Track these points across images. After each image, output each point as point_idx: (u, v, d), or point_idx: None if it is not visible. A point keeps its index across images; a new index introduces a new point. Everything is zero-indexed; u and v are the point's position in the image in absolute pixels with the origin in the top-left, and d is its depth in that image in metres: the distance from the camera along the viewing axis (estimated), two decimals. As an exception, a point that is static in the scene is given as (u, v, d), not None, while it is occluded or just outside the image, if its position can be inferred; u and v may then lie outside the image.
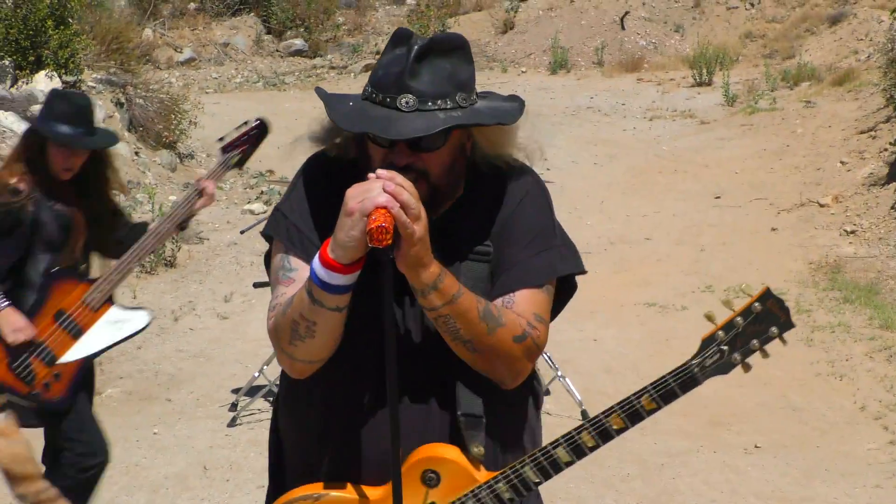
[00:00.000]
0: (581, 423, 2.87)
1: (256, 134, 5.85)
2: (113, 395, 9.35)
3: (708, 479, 7.53)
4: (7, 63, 17.09)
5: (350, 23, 30.02)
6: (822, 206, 14.83)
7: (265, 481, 7.59)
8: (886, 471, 7.72)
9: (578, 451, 2.86)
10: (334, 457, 2.94)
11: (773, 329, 2.89)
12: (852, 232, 13.71)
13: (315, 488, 2.93)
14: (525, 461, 2.86)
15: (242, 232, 9.71)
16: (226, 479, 7.66)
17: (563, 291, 3.06)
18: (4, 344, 5.37)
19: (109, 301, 5.50)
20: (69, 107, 5.44)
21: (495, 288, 2.92)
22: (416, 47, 2.79)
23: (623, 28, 28.06)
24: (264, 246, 11.30)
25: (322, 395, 2.93)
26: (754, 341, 2.89)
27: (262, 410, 8.82)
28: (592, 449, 2.86)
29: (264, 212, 16.02)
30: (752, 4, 27.97)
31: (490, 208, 2.98)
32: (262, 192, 17.08)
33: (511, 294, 2.90)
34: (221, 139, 5.81)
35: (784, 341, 2.91)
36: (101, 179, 5.69)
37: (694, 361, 2.89)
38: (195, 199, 5.56)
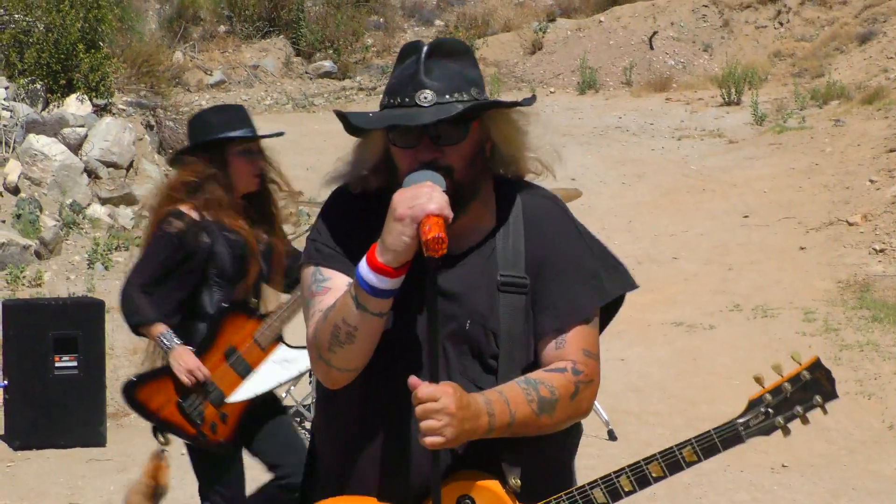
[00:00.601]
0: (621, 468, 2.91)
1: None
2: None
3: (734, 499, 7.52)
4: (38, 86, 17.27)
5: (379, 44, 30.09)
6: (850, 224, 14.77)
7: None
8: (914, 490, 7.71)
9: (615, 495, 2.91)
10: (367, 468, 2.95)
11: (818, 398, 2.98)
12: (881, 251, 13.66)
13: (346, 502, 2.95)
14: (562, 498, 2.92)
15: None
16: (252, 499, 7.68)
17: (611, 306, 3.10)
18: (175, 383, 5.30)
19: (279, 339, 5.39)
20: (232, 112, 5.43)
21: (544, 326, 2.95)
22: (425, 48, 2.89)
23: (651, 48, 28.03)
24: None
25: (360, 403, 2.95)
26: (798, 408, 2.99)
27: (288, 430, 8.84)
28: (629, 493, 2.92)
29: (293, 233, 16.06)
30: (781, 23, 27.89)
31: (520, 239, 3.00)
32: (290, 214, 17.14)
33: (563, 336, 2.94)
34: None
35: (826, 411, 3.00)
36: (270, 205, 5.64)
37: (740, 420, 2.98)
38: None
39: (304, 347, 5.31)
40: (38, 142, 15.65)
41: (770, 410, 2.98)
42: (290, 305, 5.30)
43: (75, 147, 16.35)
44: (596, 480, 2.92)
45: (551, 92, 27.14)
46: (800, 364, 3.02)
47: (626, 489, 2.91)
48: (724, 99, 24.31)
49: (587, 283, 3.00)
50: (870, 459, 8.23)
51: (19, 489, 7.82)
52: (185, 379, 5.23)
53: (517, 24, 30.63)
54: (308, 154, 19.95)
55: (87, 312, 8.88)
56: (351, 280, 2.84)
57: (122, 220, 15.86)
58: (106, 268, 14.05)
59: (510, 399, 2.82)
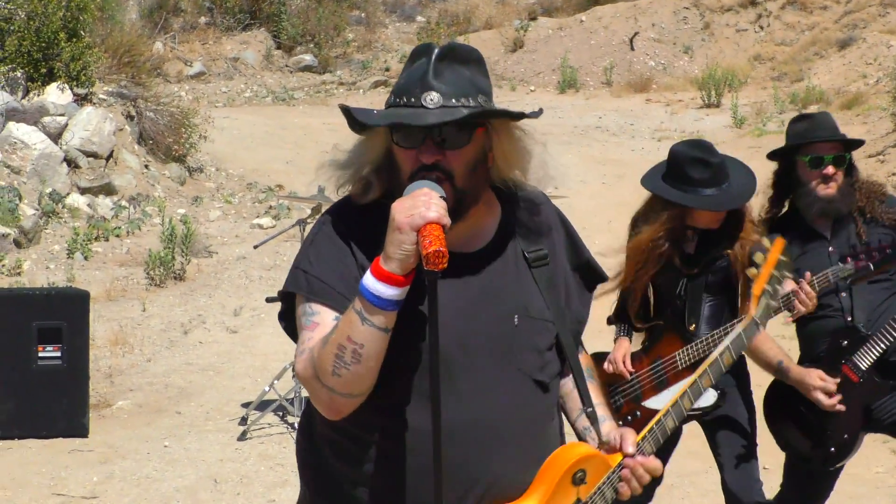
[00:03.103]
0: (681, 392, 3.22)
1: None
2: (123, 408, 9.37)
3: (717, 501, 7.51)
4: (19, 75, 17.19)
5: (360, 39, 30.08)
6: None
7: (276, 496, 7.66)
8: (894, 494, 7.73)
9: (680, 416, 3.22)
10: (377, 488, 2.95)
11: (787, 273, 3.47)
12: (860, 255, 13.71)
13: None
14: (645, 436, 3.10)
15: (256, 247, 9.75)
16: (236, 492, 7.67)
17: None
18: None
19: (694, 367, 5.15)
20: (708, 171, 5.19)
21: (580, 293, 3.20)
22: (436, 50, 2.88)
23: (632, 48, 28.12)
24: (273, 260, 11.28)
25: (385, 425, 2.92)
26: (779, 287, 3.45)
27: (272, 425, 8.84)
28: (689, 410, 3.25)
29: (273, 226, 16.07)
30: (762, 27, 28.01)
31: (531, 224, 3.09)
32: (270, 207, 17.12)
33: None
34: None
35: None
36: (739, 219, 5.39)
37: (756, 315, 3.36)
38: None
39: (715, 386, 5.17)
40: (18, 130, 15.60)
41: (768, 298, 3.40)
42: (714, 337, 5.24)
43: (55, 136, 16.30)
44: (666, 409, 3.19)
45: (532, 90, 27.19)
46: (769, 249, 3.49)
47: (688, 407, 3.23)
48: (703, 101, 24.41)
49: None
50: (850, 463, 8.20)
51: (1, 479, 7.78)
52: (607, 366, 5.47)
53: (499, 22, 30.69)
54: (288, 148, 19.95)
55: (72, 303, 8.82)
56: (338, 315, 2.82)
57: (101, 210, 15.83)
58: (85, 258, 14.01)
59: (604, 402, 3.21)
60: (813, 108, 21.92)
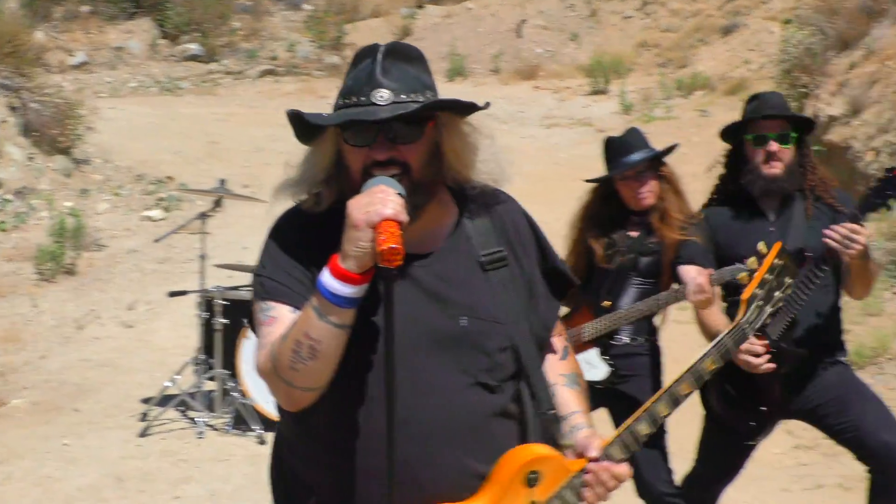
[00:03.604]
0: (657, 396, 3.13)
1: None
2: (19, 407, 9.20)
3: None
4: None
5: (246, 28, 29.73)
6: (719, 213, 15.04)
7: (180, 492, 7.57)
8: (793, 474, 7.89)
9: (655, 422, 3.11)
10: (340, 482, 2.94)
11: (788, 279, 3.33)
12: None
13: None
14: (612, 441, 3.03)
15: (157, 241, 9.64)
16: (140, 490, 7.58)
17: None
18: None
19: (595, 342, 5.51)
20: (629, 139, 5.57)
21: (551, 312, 3.19)
22: (382, 49, 2.91)
23: (520, 36, 28.24)
24: (166, 253, 11.11)
25: (329, 417, 2.93)
26: (777, 293, 3.32)
27: (173, 420, 8.75)
28: (666, 417, 3.15)
29: (163, 218, 15.85)
30: (647, 14, 28.32)
31: (491, 226, 3.09)
32: (160, 199, 16.87)
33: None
34: None
35: (790, 291, 3.35)
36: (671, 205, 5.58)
37: (743, 319, 3.28)
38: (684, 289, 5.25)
39: (607, 362, 5.44)
40: None
41: (761, 303, 3.28)
42: (615, 317, 5.44)
43: (-64, 129, 15.91)
44: (638, 414, 3.09)
45: (420, 78, 27.16)
46: (766, 254, 3.37)
47: (664, 413, 3.13)
48: (591, 88, 24.62)
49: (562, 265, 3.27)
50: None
51: None
52: None
53: (386, 10, 30.60)
54: (176, 138, 19.68)
55: (-36, 300, 8.65)
56: (294, 308, 2.85)
57: (-16, 204, 15.47)
58: (-27, 252, 13.70)
59: (585, 410, 3.15)
60: (699, 95, 22.25)
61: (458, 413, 2.91)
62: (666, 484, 5.40)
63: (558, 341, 3.25)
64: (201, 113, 21.79)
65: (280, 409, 3.06)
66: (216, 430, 8.56)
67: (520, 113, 22.99)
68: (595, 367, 5.48)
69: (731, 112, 19.81)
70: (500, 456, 2.94)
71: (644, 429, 3.07)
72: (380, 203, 2.67)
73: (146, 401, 9.06)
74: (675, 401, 3.14)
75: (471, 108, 2.92)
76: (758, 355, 5.12)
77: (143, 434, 8.47)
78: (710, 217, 5.46)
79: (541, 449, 2.99)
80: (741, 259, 5.23)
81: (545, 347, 3.19)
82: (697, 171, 16.97)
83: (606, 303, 5.51)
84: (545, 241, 3.21)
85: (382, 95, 2.82)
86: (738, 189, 5.41)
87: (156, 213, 16.25)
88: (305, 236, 2.96)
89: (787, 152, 5.29)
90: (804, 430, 7.80)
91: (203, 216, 8.96)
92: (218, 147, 19.25)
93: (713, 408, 5.49)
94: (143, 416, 8.73)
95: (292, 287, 2.91)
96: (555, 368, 3.20)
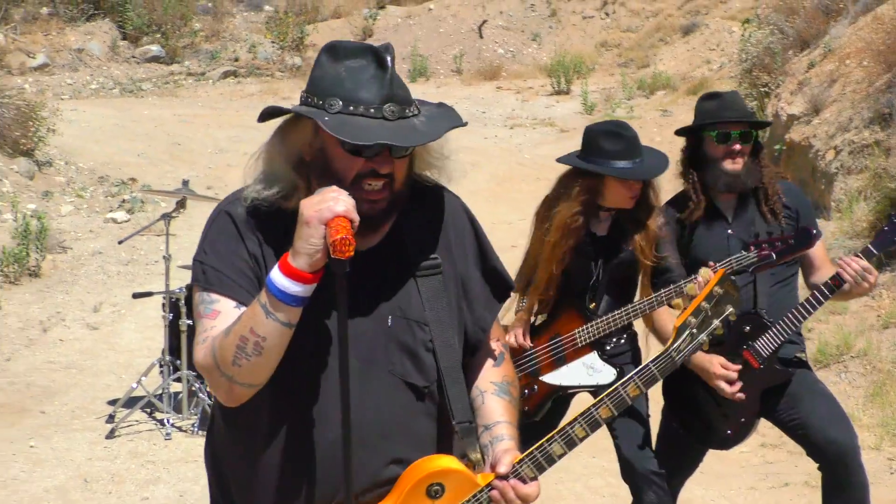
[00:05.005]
0: (573, 418, 3.07)
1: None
2: (-16, 409, 9.18)
3: (589, 484, 7.69)
4: None
5: (207, 29, 29.64)
6: (681, 211, 15.12)
7: (148, 493, 7.57)
8: (759, 473, 7.98)
9: (571, 444, 3.05)
10: (279, 480, 2.96)
11: (730, 308, 3.23)
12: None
13: None
14: (523, 459, 2.99)
15: (121, 242, 9.63)
16: (108, 491, 7.59)
17: None
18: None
19: (593, 346, 5.43)
20: (621, 143, 5.27)
21: (486, 317, 3.18)
22: (384, 52, 2.86)
23: (481, 36, 28.29)
24: (130, 255, 11.13)
25: (269, 415, 2.95)
26: (715, 321, 3.23)
27: (140, 422, 8.75)
28: (583, 439, 3.07)
29: (127, 220, 15.80)
30: (608, 14, 28.44)
31: (430, 226, 3.09)
32: (124, 201, 16.81)
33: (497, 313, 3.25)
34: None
35: (735, 317, 3.24)
36: (649, 208, 5.44)
37: (672, 347, 3.19)
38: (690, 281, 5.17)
39: (610, 365, 5.36)
40: None
41: (695, 331, 3.20)
42: (612, 319, 5.36)
43: None
44: (553, 435, 3.04)
45: (383, 79, 27.15)
46: (707, 281, 3.35)
47: (581, 436, 3.06)
48: (553, 88, 24.68)
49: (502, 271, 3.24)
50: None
51: None
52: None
53: (347, 11, 30.55)
54: (139, 140, 19.60)
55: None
56: (238, 303, 2.86)
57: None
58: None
59: (512, 420, 3.10)
60: (660, 94, 22.36)
61: (386, 414, 2.95)
62: (650, 461, 5.41)
63: (496, 346, 3.24)
64: (163, 115, 21.71)
65: (215, 404, 3.07)
66: (183, 431, 8.57)
67: (482, 113, 23.03)
68: (598, 370, 5.44)
69: (693, 112, 19.93)
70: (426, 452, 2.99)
71: (558, 450, 3.02)
72: (332, 201, 2.70)
73: (113, 402, 9.06)
74: (594, 424, 3.08)
75: (463, 124, 2.94)
76: (732, 382, 5.22)
77: (110, 436, 8.47)
78: (668, 216, 5.51)
79: (446, 461, 2.98)
80: (701, 261, 5.32)
81: (480, 349, 3.19)
82: (659, 170, 17.12)
83: (592, 305, 5.53)
84: (485, 241, 3.21)
85: (393, 111, 2.80)
86: (698, 184, 5.46)
87: (119, 214, 16.19)
88: (250, 229, 2.95)
89: (746, 149, 5.39)
90: (770, 429, 7.89)
91: (167, 217, 8.96)
92: (181, 148, 19.21)
93: (689, 426, 5.57)
94: (110, 418, 8.73)
95: (237, 281, 2.90)
96: (487, 375, 3.18)
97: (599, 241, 5.43)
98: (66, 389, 9.69)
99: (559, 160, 5.55)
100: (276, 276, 2.73)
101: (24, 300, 12.29)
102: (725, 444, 5.52)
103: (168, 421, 8.55)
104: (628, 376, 3.16)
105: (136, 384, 8.74)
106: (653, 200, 5.41)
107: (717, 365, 5.23)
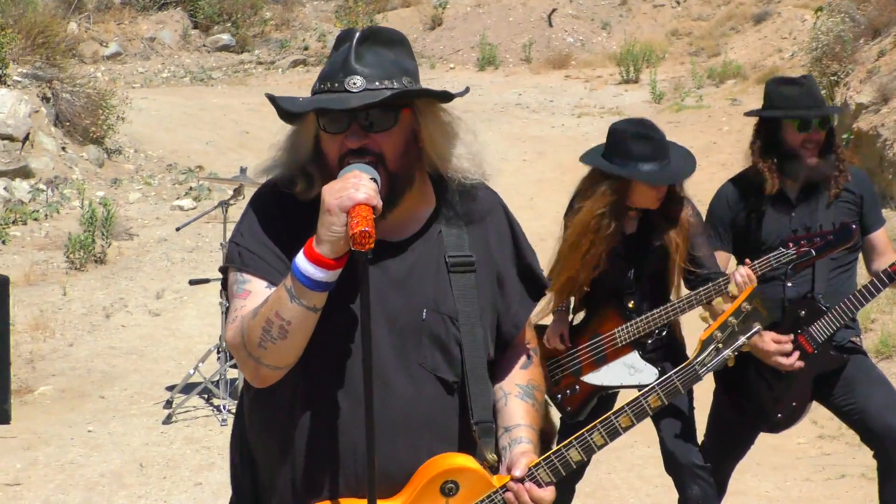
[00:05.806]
0: (592, 425, 3.02)
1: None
2: (46, 393, 9.29)
3: (642, 474, 7.63)
4: (-69, 57, 16.88)
5: (277, 18, 29.86)
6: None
7: (202, 479, 7.62)
8: (815, 464, 7.86)
9: (589, 451, 3.02)
10: (320, 467, 2.93)
11: (756, 325, 3.21)
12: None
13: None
14: (539, 463, 2.96)
15: (178, 229, 9.68)
16: (162, 476, 7.64)
17: None
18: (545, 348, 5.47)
19: (633, 345, 5.41)
20: (650, 146, 5.21)
21: (520, 314, 3.15)
22: (358, 33, 2.87)
23: (550, 25, 28.20)
24: (195, 242, 11.20)
25: (296, 400, 2.93)
26: (741, 338, 3.20)
27: (197, 408, 8.82)
28: (602, 447, 3.03)
29: (193, 207, 15.95)
30: (679, 2, 28.22)
31: (468, 223, 3.05)
32: (191, 188, 16.97)
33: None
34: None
35: (762, 336, 3.15)
36: (678, 201, 5.40)
37: (696, 360, 3.17)
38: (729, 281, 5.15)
39: (650, 364, 5.32)
40: (-70, 114, 15.33)
41: (720, 346, 3.18)
42: (650, 319, 5.33)
43: (-31, 119, 16.04)
44: (571, 441, 3.00)
45: (451, 68, 27.19)
46: (736, 297, 3.29)
47: (599, 444, 3.02)
48: (622, 77, 24.54)
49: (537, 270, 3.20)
50: (772, 435, 8.35)
51: (-78, 468, 7.70)
52: (548, 342, 5.50)
53: (417, 0, 30.57)
54: (207, 128, 19.79)
55: (-9, 289, 8.70)
56: (269, 284, 2.86)
57: (18, 194, 15.58)
58: (3, 242, 13.83)
59: (533, 424, 3.06)
60: (730, 83, 22.13)
61: (415, 406, 2.92)
62: (695, 454, 5.35)
63: (525, 348, 3.20)
64: (232, 103, 21.89)
65: (245, 384, 3.07)
66: (239, 417, 8.60)
67: (550, 102, 22.95)
68: (640, 370, 5.37)
69: (765, 95, 19.71)
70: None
71: (575, 456, 2.98)
72: (352, 188, 2.67)
73: (171, 388, 9.13)
74: (613, 433, 3.03)
75: (444, 96, 2.90)
76: (787, 354, 5.14)
77: (167, 421, 8.54)
78: (729, 196, 5.45)
79: (462, 459, 2.95)
80: (761, 243, 5.26)
81: (510, 348, 3.17)
82: (728, 160, 16.97)
83: (631, 304, 5.47)
84: (522, 239, 3.18)
85: (355, 83, 2.80)
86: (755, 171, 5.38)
87: (186, 202, 16.35)
88: (285, 214, 2.94)
89: (822, 136, 5.31)
90: (828, 420, 7.80)
91: (224, 204, 9.01)
92: (249, 137, 19.33)
93: (743, 410, 5.51)
94: (168, 404, 8.80)
95: (270, 262, 2.90)
96: (513, 377, 3.15)
97: (629, 238, 5.36)
98: (126, 375, 9.78)
99: (583, 160, 5.46)
100: (301, 261, 2.72)
101: (89, 286, 12.43)
102: (776, 427, 5.46)
103: (224, 407, 8.59)
104: (649, 386, 3.12)
105: (193, 370, 8.80)
106: (680, 193, 5.34)
107: (769, 342, 5.14)
